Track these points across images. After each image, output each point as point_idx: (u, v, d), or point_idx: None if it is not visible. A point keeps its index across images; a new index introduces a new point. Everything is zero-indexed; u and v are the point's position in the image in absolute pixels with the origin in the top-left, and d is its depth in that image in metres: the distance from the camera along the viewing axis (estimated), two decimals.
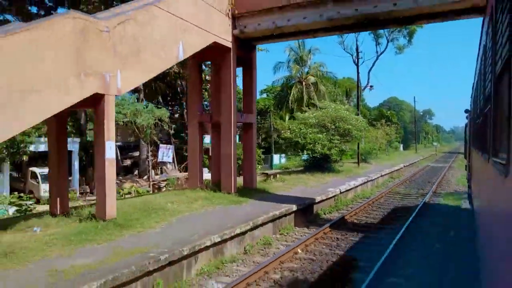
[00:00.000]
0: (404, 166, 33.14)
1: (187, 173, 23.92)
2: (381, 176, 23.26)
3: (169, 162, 28.57)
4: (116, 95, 8.24)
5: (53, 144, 8.97)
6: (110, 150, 8.00)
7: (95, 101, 7.82)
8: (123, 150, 30.33)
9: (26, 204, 14.35)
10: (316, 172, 19.77)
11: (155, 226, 8.25)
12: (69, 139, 23.68)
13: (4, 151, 20.12)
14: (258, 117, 34.31)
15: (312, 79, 41.66)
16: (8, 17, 24.65)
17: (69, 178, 19.63)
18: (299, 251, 8.53)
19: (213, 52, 12.04)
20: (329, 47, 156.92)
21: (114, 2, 21.54)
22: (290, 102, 39.66)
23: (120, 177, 25.48)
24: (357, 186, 17.91)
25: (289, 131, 20.75)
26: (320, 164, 20.54)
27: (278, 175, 17.83)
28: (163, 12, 9.32)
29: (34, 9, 25.45)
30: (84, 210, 8.65)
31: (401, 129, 65.44)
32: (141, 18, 8.67)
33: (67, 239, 6.98)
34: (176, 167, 29.98)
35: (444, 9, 9.97)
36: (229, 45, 12.15)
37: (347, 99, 58.81)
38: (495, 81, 2.83)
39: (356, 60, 29.75)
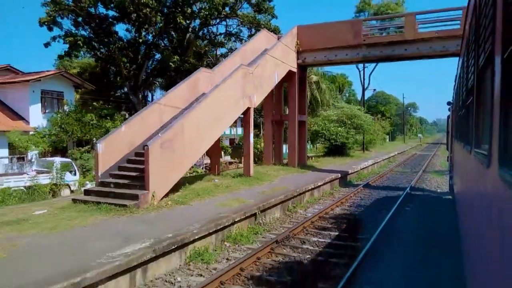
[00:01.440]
0: (397, 153, 39.88)
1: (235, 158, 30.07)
2: (382, 160, 29.81)
3: None
4: (252, 108, 14.38)
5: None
6: (251, 137, 14.17)
7: (246, 111, 13.96)
8: None
9: None
10: (337, 156, 26.22)
11: (274, 180, 14.47)
12: None
13: (94, 139, 25.98)
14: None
15: (314, 77, 47.85)
16: None
17: None
18: (352, 196, 14.86)
19: (286, 75, 18.16)
20: None
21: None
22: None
23: None
24: (368, 166, 24.36)
25: (316, 125, 27.01)
26: (338, 150, 27.01)
27: (312, 157, 24.16)
28: (270, 57, 15.44)
29: None
30: (231, 173, 14.83)
31: (392, 122, 72.22)
32: (263, 63, 14.80)
33: (238, 183, 13.13)
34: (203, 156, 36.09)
35: (435, 54, 16.28)
36: (295, 70, 18.29)
37: (340, 93, 65.15)
38: (477, 73, 2.85)
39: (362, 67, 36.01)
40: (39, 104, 26.35)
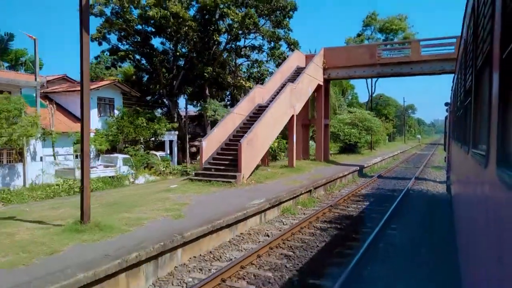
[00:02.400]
0: (400, 152, 44.06)
1: None
2: (388, 157, 34.00)
3: None
4: (295, 115, 18.54)
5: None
6: (294, 138, 18.36)
7: (291, 118, 18.17)
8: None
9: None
10: (350, 154, 30.41)
11: (311, 170, 18.63)
12: (172, 132, 34.10)
13: (142, 139, 30.25)
14: None
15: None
16: None
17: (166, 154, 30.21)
18: (371, 183, 19.03)
19: (315, 87, 22.34)
20: None
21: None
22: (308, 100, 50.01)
23: None
24: (377, 162, 28.53)
25: (332, 127, 31.17)
26: (351, 148, 31.20)
27: (331, 154, 28.32)
28: (306, 75, 19.65)
29: None
30: (275, 165, 19.00)
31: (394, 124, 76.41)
32: (301, 79, 19.01)
33: (287, 172, 17.28)
34: None
35: (434, 72, 20.46)
36: (322, 83, 22.47)
37: (343, 96, 69.39)
38: (476, 74, 2.83)
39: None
40: (96, 109, 30.49)
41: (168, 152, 34.72)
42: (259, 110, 17.54)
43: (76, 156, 27.99)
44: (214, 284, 5.85)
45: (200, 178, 13.55)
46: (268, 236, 8.93)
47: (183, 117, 38.01)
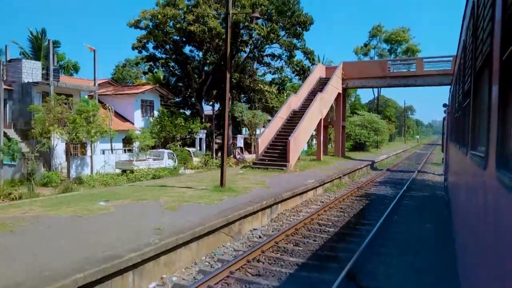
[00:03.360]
0: (402, 151, 48.34)
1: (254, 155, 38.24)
2: (392, 155, 38.25)
3: (240, 147, 43.04)
4: (322, 118, 22.75)
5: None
6: (322, 136, 22.57)
7: (319, 121, 22.40)
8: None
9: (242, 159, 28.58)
10: (360, 151, 34.65)
11: (334, 163, 22.82)
12: (201, 131, 38.24)
13: (179, 136, 34.44)
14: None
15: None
16: None
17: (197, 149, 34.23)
18: (382, 174, 23.24)
19: (336, 95, 26.53)
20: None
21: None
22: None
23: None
24: (384, 159, 32.78)
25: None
26: (360, 147, 35.45)
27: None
28: (331, 86, 23.88)
29: None
30: (305, 157, 23.22)
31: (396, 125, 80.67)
32: (327, 89, 23.23)
33: (317, 164, 21.48)
34: (243, 151, 44.45)
35: (435, 84, 24.66)
36: (340, 92, 26.69)
37: (347, 97, 73.69)
38: (475, 75, 2.82)
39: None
40: (139, 110, 34.74)
41: (198, 148, 39.04)
42: (294, 115, 21.77)
43: (124, 151, 32.25)
44: (307, 221, 10.05)
45: (258, 166, 17.78)
46: (322, 202, 13.15)
47: (204, 116, 41.90)
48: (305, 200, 13.28)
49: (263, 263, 6.90)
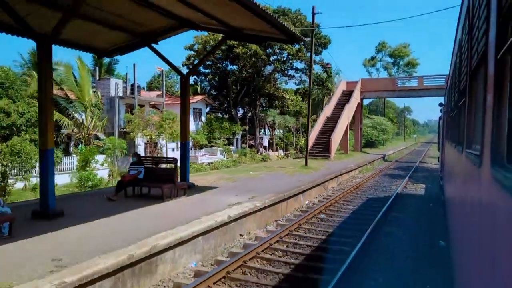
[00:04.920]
0: (403, 148, 55.44)
1: (276, 152, 45.11)
2: (397, 151, 45.30)
3: (264, 146, 50.14)
4: (348, 122, 29.78)
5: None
6: (348, 137, 29.66)
7: (347, 124, 29.46)
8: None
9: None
10: (371, 148, 41.70)
11: (357, 156, 29.83)
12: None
13: (223, 137, 41.44)
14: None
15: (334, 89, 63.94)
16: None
17: (236, 148, 41.05)
18: (393, 163, 30.26)
19: (356, 105, 33.55)
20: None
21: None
22: (323, 107, 61.43)
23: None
24: (391, 153, 39.82)
25: None
26: (371, 144, 42.50)
27: None
28: (354, 98, 30.97)
29: None
30: (337, 151, 30.35)
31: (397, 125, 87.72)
32: (352, 100, 30.31)
33: (345, 157, 28.50)
34: (267, 149, 51.49)
35: (432, 95, 31.69)
36: (359, 102, 33.76)
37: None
38: (470, 74, 2.80)
39: None
40: (192, 116, 41.78)
41: (235, 146, 46.11)
42: (328, 120, 28.84)
43: (177, 149, 39.26)
44: (359, 184, 17.04)
45: (309, 156, 24.85)
46: (362, 178, 20.14)
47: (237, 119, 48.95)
48: (351, 176, 20.34)
49: (344, 198, 13.96)
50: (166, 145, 33.23)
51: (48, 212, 7.16)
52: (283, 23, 9.61)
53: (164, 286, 5.85)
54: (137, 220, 7.52)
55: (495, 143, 1.55)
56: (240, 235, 8.53)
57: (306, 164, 18.57)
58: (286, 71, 50.10)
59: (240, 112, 51.65)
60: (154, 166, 10.64)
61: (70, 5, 7.01)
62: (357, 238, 7.82)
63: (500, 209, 1.37)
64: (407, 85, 32.51)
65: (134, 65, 31.76)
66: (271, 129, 52.86)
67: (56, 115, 24.67)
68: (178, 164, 10.60)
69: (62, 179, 20.38)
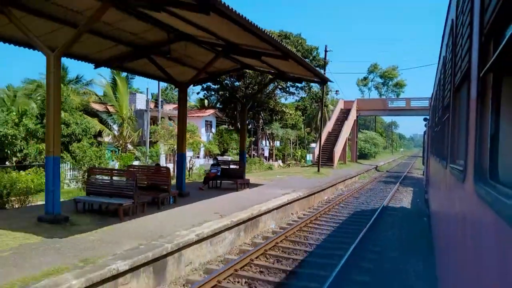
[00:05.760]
0: (392, 160, 60.23)
1: (276, 162, 49.35)
2: (386, 162, 49.93)
3: (265, 156, 54.31)
4: (347, 137, 34.22)
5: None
6: (347, 149, 34.07)
7: (345, 139, 33.91)
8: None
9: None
10: (364, 159, 46.24)
11: (354, 166, 34.20)
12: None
13: (232, 147, 45.43)
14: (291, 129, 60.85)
15: (331, 107, 68.69)
16: None
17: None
18: (385, 174, 34.71)
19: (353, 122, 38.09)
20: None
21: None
22: (317, 121, 66.11)
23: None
24: (382, 164, 44.37)
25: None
26: (364, 156, 47.07)
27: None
28: (351, 116, 35.50)
29: None
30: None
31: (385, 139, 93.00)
32: (350, 118, 34.82)
33: (344, 166, 32.83)
34: (268, 159, 55.64)
35: (419, 115, 36.42)
36: (355, 119, 38.33)
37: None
38: (454, 90, 2.83)
39: None
40: (204, 128, 45.79)
41: None
42: (330, 135, 33.22)
43: (195, 157, 43.10)
44: (361, 187, 21.27)
45: (316, 165, 29.06)
46: (361, 183, 24.36)
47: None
48: (353, 181, 24.59)
49: (353, 195, 18.14)
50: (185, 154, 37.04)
51: (183, 192, 11.20)
52: (318, 69, 13.88)
53: (260, 233, 9.85)
54: (230, 200, 11.53)
55: (478, 159, 1.54)
56: (291, 213, 12.60)
57: (318, 170, 22.81)
58: (287, 89, 54.76)
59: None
60: (228, 167, 14.69)
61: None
62: (373, 212, 12.09)
63: (483, 224, 1.39)
64: (396, 106, 37.28)
65: (158, 83, 35.40)
66: (271, 141, 57.24)
67: (99, 126, 28.51)
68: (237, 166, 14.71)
69: None
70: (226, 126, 56.33)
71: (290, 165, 38.85)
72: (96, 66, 11.92)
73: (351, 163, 37.09)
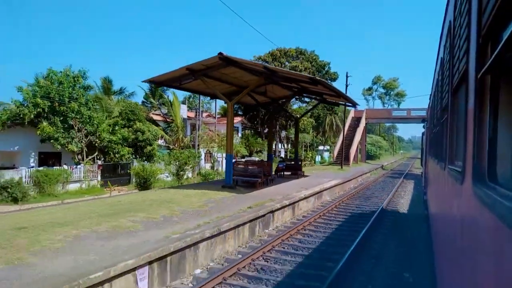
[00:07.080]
0: (394, 161, 66.43)
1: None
2: (389, 163, 56.13)
3: (281, 157, 60.62)
4: (358, 141, 40.49)
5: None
6: (358, 150, 40.36)
7: (358, 142, 40.26)
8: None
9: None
10: (370, 160, 52.47)
11: (365, 165, 40.42)
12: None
13: (257, 149, 51.83)
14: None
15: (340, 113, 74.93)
16: None
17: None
18: (389, 172, 40.92)
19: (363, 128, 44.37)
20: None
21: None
22: (325, 125, 72.31)
23: None
24: (386, 164, 50.58)
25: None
26: (370, 157, 53.30)
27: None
28: (361, 124, 41.79)
29: None
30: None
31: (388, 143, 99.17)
32: (360, 125, 41.11)
33: (357, 165, 39.05)
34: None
35: (419, 122, 42.68)
36: (364, 126, 44.58)
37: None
38: (452, 92, 2.81)
39: None
40: None
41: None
42: (345, 139, 39.47)
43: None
44: (374, 180, 27.51)
45: (333, 164, 35.33)
46: (374, 178, 30.55)
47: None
48: (367, 176, 30.81)
49: (371, 185, 24.39)
50: (217, 155, 43.26)
51: (230, 185, 17.58)
52: (349, 96, 20.17)
53: (324, 201, 16.09)
54: (300, 183, 17.76)
55: (477, 160, 1.53)
56: (336, 192, 18.89)
57: (341, 167, 29.11)
58: (301, 98, 61.05)
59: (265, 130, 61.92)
60: (290, 163, 21.01)
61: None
62: (389, 192, 18.47)
63: (481, 225, 1.37)
64: (399, 114, 43.55)
65: (199, 97, 41.78)
66: (286, 144, 63.54)
67: (160, 132, 34.86)
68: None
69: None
70: (249, 131, 62.79)
71: (306, 165, 45.10)
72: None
73: (361, 163, 43.33)
